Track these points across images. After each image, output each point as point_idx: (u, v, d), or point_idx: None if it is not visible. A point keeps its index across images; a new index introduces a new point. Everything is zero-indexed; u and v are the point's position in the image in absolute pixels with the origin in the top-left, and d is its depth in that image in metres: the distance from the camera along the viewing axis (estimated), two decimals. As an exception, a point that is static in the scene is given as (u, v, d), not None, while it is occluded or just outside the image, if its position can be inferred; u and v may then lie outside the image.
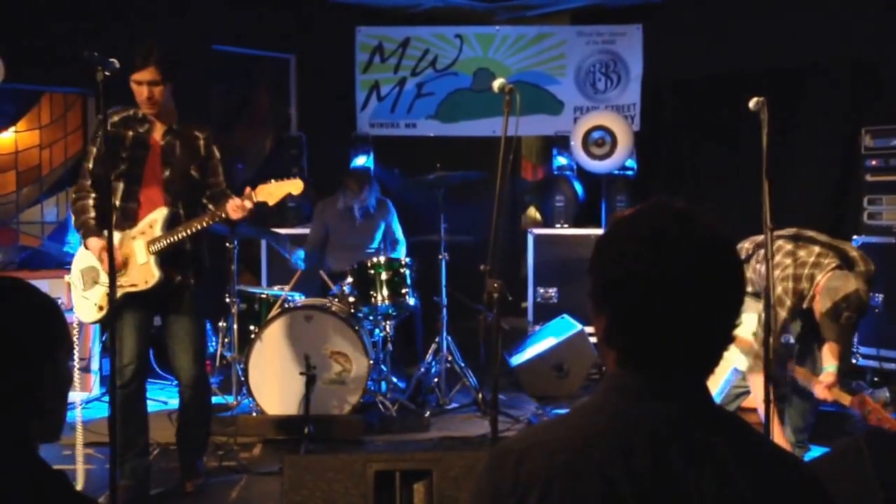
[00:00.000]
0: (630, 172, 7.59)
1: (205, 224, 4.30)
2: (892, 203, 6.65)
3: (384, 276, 5.94)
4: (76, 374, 4.45)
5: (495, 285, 3.92)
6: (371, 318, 6.05)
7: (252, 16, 7.95)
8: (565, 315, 6.97)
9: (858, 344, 6.56)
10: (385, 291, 5.92)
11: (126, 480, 4.34)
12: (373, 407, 5.91)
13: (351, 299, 5.94)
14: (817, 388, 4.48)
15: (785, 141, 6.76)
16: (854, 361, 6.50)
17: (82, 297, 4.46)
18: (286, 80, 8.57)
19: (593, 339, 6.31)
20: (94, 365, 6.41)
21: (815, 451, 4.75)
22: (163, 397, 6.25)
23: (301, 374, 5.30)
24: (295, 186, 4.37)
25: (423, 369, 6.37)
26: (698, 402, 1.46)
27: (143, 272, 4.31)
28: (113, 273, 3.57)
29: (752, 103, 4.05)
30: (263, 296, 6.21)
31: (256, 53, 8.39)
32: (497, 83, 4.07)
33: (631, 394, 1.44)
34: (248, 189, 4.30)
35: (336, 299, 5.98)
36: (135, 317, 4.31)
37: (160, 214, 4.32)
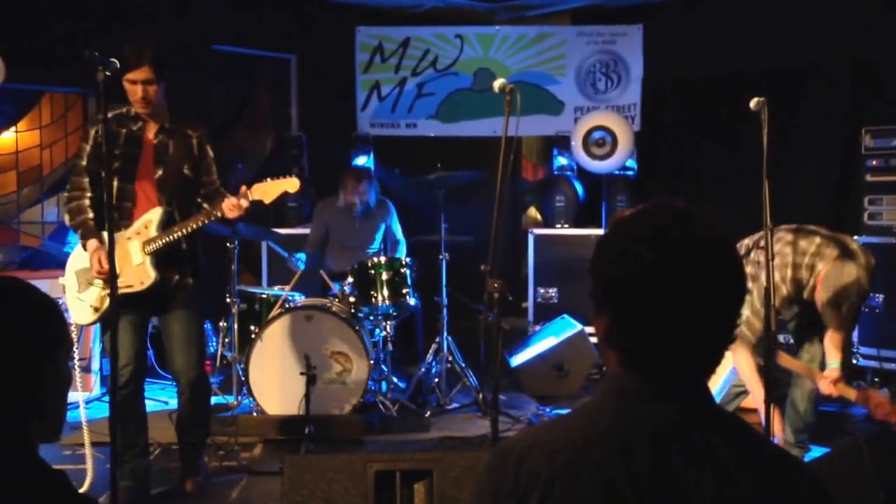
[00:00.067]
0: (630, 172, 7.59)
1: (201, 223, 4.27)
2: (893, 203, 6.66)
3: (385, 276, 5.94)
4: (77, 375, 4.46)
5: (496, 285, 3.92)
6: (371, 318, 6.05)
7: (252, 16, 7.95)
8: (566, 315, 6.97)
9: (859, 344, 6.56)
10: (385, 291, 5.92)
11: (126, 481, 4.33)
12: (373, 407, 5.91)
13: (351, 299, 5.94)
14: (822, 384, 4.48)
15: (785, 141, 6.76)
16: (854, 362, 6.50)
17: (77, 298, 4.42)
18: (286, 81, 8.57)
19: (594, 340, 6.31)
20: (95, 365, 6.41)
21: (816, 451, 4.75)
22: (163, 397, 6.25)
23: (301, 374, 5.29)
24: (291, 185, 4.34)
25: (423, 369, 6.37)
26: (698, 403, 1.46)
27: (139, 273, 4.29)
28: (114, 274, 3.57)
29: (752, 103, 4.05)
30: (264, 296, 6.21)
31: (257, 53, 8.39)
32: (497, 83, 4.07)
33: (631, 394, 1.44)
34: (243, 188, 4.28)
35: (336, 299, 5.99)
36: (131, 318, 4.28)
37: (155, 214, 4.30)
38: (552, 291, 7.50)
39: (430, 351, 6.38)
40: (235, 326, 5.96)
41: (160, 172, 4.33)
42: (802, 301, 4.56)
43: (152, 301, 4.38)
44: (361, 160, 7.77)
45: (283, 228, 7.09)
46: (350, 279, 6.01)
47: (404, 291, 5.97)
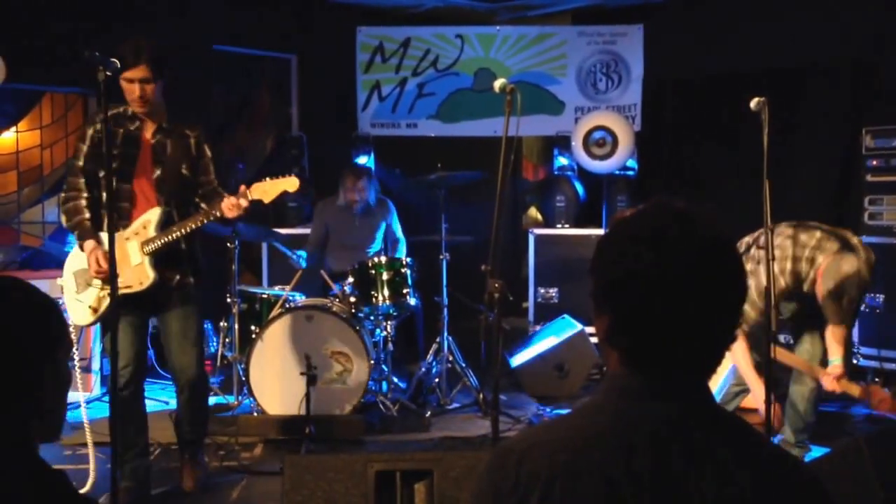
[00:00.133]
0: (631, 173, 7.59)
1: (200, 223, 4.25)
2: (893, 203, 6.65)
3: (385, 276, 5.94)
4: (77, 375, 4.45)
5: (496, 285, 3.92)
6: (372, 318, 6.05)
7: (252, 16, 7.95)
8: (566, 315, 6.96)
9: (859, 344, 6.56)
10: (386, 291, 5.92)
11: (127, 481, 4.33)
12: (374, 407, 5.91)
13: (352, 299, 5.94)
14: (825, 380, 4.49)
15: (785, 141, 6.76)
16: (855, 362, 6.50)
17: (75, 299, 4.40)
18: (287, 81, 8.57)
19: (594, 340, 6.31)
20: (95, 365, 6.41)
21: (816, 451, 4.75)
22: (163, 397, 6.25)
23: (302, 374, 5.29)
24: (290, 184, 4.32)
25: (423, 369, 6.37)
26: (699, 403, 1.46)
27: (138, 273, 4.28)
28: (114, 274, 3.57)
29: (753, 103, 4.06)
30: (264, 296, 6.21)
31: (257, 53, 8.39)
32: (498, 83, 4.07)
33: (632, 394, 1.45)
34: (242, 187, 4.26)
35: (337, 299, 5.99)
36: (130, 319, 4.27)
37: (154, 215, 4.28)
38: (552, 291, 7.50)
39: (431, 351, 6.38)
40: (236, 326, 5.96)
41: (158, 172, 4.31)
42: (801, 295, 4.57)
43: (152, 301, 4.37)
44: (362, 160, 7.76)
45: (284, 228, 7.09)
46: (350, 279, 6.01)
47: (405, 291, 5.97)
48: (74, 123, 7.52)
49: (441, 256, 6.28)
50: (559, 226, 7.67)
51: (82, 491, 4.26)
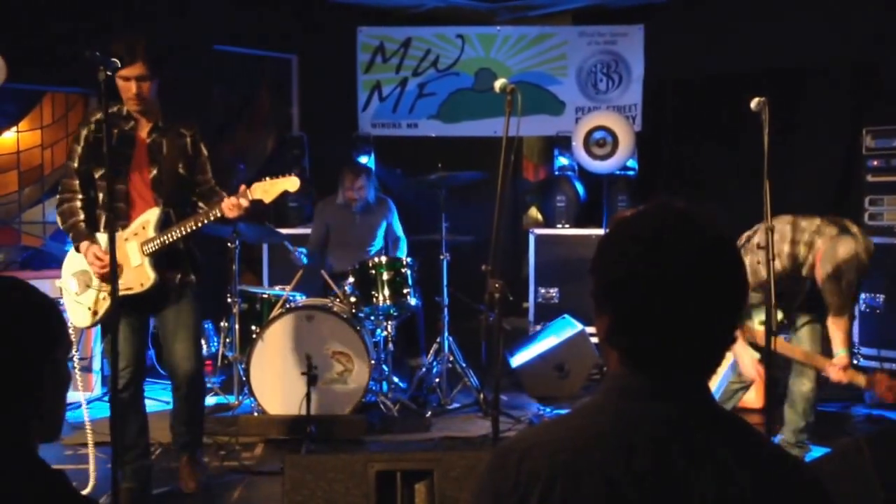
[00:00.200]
0: (631, 173, 7.59)
1: (200, 223, 4.21)
2: (894, 203, 6.65)
3: (386, 276, 5.94)
4: (77, 374, 4.45)
5: (497, 285, 3.92)
6: (372, 318, 6.05)
7: (253, 16, 7.95)
8: (566, 315, 6.96)
9: (859, 344, 6.56)
10: (386, 291, 5.92)
11: (128, 482, 4.32)
12: (374, 407, 5.91)
13: (352, 299, 5.94)
14: (831, 371, 4.50)
15: (785, 141, 6.76)
16: (855, 362, 6.50)
17: (75, 301, 4.37)
18: (288, 81, 8.57)
19: (594, 340, 6.31)
20: (96, 365, 6.41)
21: (816, 452, 4.75)
22: (163, 397, 6.25)
23: (303, 374, 5.30)
24: (291, 184, 4.28)
25: (424, 369, 6.38)
26: (699, 403, 1.46)
27: (138, 274, 4.26)
28: (115, 274, 3.57)
29: (753, 103, 4.06)
30: (265, 296, 6.22)
31: (258, 53, 8.39)
32: (499, 83, 4.06)
33: (632, 394, 1.45)
34: (242, 187, 4.22)
35: (337, 299, 5.99)
36: (130, 321, 4.25)
37: (153, 215, 4.25)
38: (553, 291, 7.50)
39: (431, 351, 6.38)
40: (236, 326, 5.96)
41: (154, 172, 4.28)
42: (799, 279, 4.59)
43: (152, 301, 4.35)
44: (363, 160, 7.77)
45: (284, 228, 7.08)
46: (351, 279, 6.01)
47: (405, 291, 5.97)
48: (75, 123, 7.51)
49: (441, 256, 6.28)
50: (560, 226, 7.67)
51: (84, 492, 4.26)
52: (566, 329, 6.69)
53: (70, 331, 4.24)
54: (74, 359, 4.89)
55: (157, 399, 6.14)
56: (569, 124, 7.98)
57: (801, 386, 4.77)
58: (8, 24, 6.60)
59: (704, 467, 1.37)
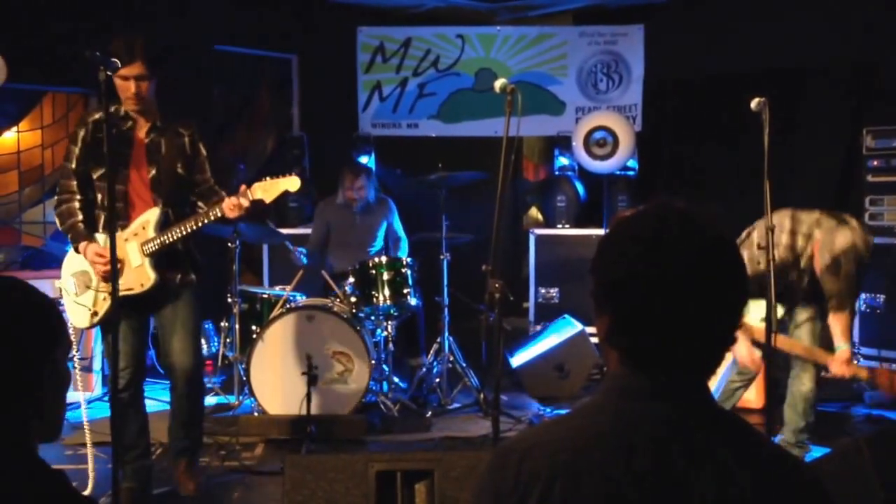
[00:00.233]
0: (631, 173, 7.59)
1: (201, 223, 4.19)
2: (894, 204, 6.66)
3: (386, 276, 5.94)
4: (77, 374, 4.45)
5: (497, 285, 3.92)
6: (373, 318, 6.04)
7: (253, 16, 7.95)
8: (567, 315, 6.96)
9: (860, 344, 6.56)
10: (387, 291, 5.92)
11: (128, 482, 4.32)
12: (374, 407, 5.91)
13: (353, 299, 5.94)
14: (834, 365, 4.51)
15: (785, 141, 6.76)
16: (855, 362, 6.50)
17: (75, 302, 4.35)
18: (288, 81, 8.57)
19: (594, 340, 6.31)
20: (96, 365, 6.41)
21: (816, 452, 4.75)
22: (164, 397, 6.23)
23: (303, 374, 5.30)
24: (292, 183, 4.25)
25: (424, 369, 6.38)
26: (699, 403, 1.46)
27: (139, 275, 4.24)
28: (115, 275, 3.57)
29: (753, 104, 4.07)
30: (265, 296, 6.21)
31: (258, 53, 8.40)
32: (499, 83, 4.06)
33: (632, 394, 1.45)
34: (243, 187, 4.20)
35: (338, 299, 5.99)
36: (129, 321, 4.23)
37: (152, 215, 4.23)
38: (553, 291, 7.51)
39: (432, 351, 6.38)
40: (237, 326, 5.96)
41: (153, 172, 4.26)
42: (798, 271, 4.61)
43: (153, 301, 4.33)
44: (363, 160, 7.77)
45: (285, 228, 7.08)
46: (351, 279, 6.01)
47: (405, 291, 5.97)
48: (75, 123, 7.51)
49: (442, 256, 6.28)
50: (560, 226, 7.67)
51: (84, 492, 4.26)
52: (566, 329, 6.69)
53: (70, 331, 4.27)
54: (74, 359, 4.90)
55: (158, 399, 6.13)
56: (569, 124, 7.98)
57: (801, 386, 4.77)
58: (8, 24, 6.60)
59: (704, 467, 1.37)
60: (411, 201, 7.57)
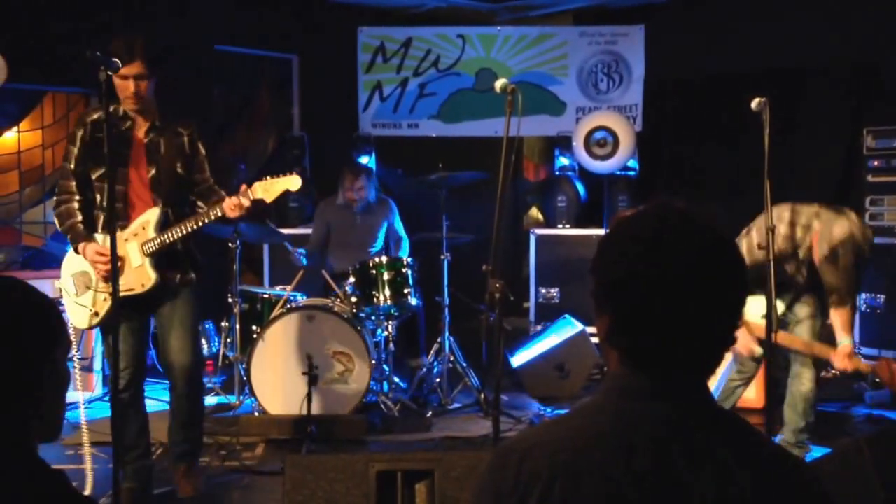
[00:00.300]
0: (632, 173, 7.59)
1: (201, 223, 4.18)
2: (894, 204, 6.65)
3: (386, 276, 5.94)
4: (77, 374, 4.44)
5: (497, 285, 3.92)
6: (373, 318, 6.04)
7: (254, 16, 7.95)
8: (567, 315, 6.96)
9: (860, 344, 6.56)
10: (387, 291, 5.92)
11: (129, 482, 4.31)
12: (375, 407, 5.91)
13: (353, 299, 5.94)
14: (836, 359, 4.52)
15: (786, 141, 6.75)
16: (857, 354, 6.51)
17: (75, 303, 4.34)
18: (288, 81, 8.57)
19: (595, 340, 6.31)
20: (97, 365, 6.41)
21: (816, 452, 4.75)
22: (164, 397, 6.23)
23: (303, 374, 5.30)
24: (292, 183, 4.24)
25: (424, 369, 6.38)
26: (699, 403, 1.46)
27: (139, 275, 4.23)
28: (116, 275, 3.57)
29: (754, 104, 4.07)
30: (266, 296, 6.22)
31: (258, 53, 8.40)
32: (499, 83, 4.06)
33: (632, 394, 1.45)
34: (243, 186, 4.19)
35: (338, 299, 5.99)
36: (129, 322, 4.22)
37: (153, 215, 4.22)
38: (553, 291, 7.51)
39: (432, 351, 6.38)
40: (237, 326, 5.96)
41: (153, 172, 4.25)
42: (797, 262, 4.62)
43: (153, 301, 4.33)
44: (363, 160, 7.77)
45: (285, 228, 7.08)
46: (352, 279, 6.01)
47: (406, 291, 5.97)
48: (74, 124, 7.51)
49: (442, 256, 6.28)
50: (560, 226, 7.67)
51: (84, 492, 4.26)
52: (567, 329, 6.69)
53: (70, 331, 4.27)
54: (74, 359, 4.89)
55: (158, 399, 6.13)
56: (569, 124, 7.98)
57: (801, 386, 4.77)
58: (8, 24, 6.60)
59: (704, 467, 1.37)
60: (412, 201, 7.58)
